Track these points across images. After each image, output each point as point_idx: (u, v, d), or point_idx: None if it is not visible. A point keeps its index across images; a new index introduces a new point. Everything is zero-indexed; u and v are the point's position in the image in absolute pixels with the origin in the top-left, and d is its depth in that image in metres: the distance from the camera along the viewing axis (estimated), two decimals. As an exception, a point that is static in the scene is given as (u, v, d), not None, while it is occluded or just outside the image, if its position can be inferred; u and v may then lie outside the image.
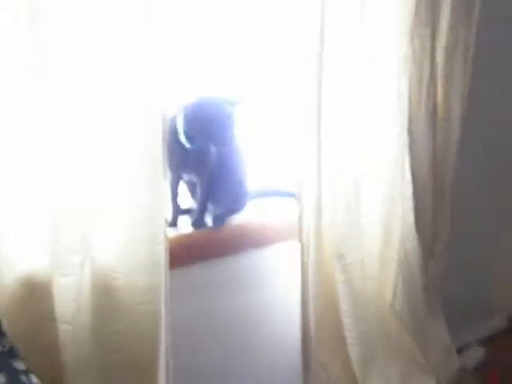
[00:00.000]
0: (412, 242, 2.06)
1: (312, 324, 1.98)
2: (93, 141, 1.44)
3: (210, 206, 1.98)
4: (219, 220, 1.98)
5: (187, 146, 1.82)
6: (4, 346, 1.21)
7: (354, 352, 2.01)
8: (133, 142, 1.49)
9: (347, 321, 1.97)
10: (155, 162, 1.51)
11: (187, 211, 1.99)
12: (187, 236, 1.93)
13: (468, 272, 2.84)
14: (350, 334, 1.99)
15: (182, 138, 1.81)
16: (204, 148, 1.86)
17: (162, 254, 1.61)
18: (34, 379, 1.17)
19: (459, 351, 2.82)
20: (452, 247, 2.48)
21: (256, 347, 2.20)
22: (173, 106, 1.79)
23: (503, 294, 3.16)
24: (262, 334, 2.20)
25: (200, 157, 1.88)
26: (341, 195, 1.88)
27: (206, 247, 1.93)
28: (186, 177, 1.96)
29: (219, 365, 2.14)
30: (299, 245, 1.92)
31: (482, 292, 3.00)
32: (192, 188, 2.00)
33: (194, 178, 1.95)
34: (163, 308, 1.70)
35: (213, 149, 1.87)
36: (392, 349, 2.08)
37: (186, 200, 2.00)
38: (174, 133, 1.82)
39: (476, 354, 2.91)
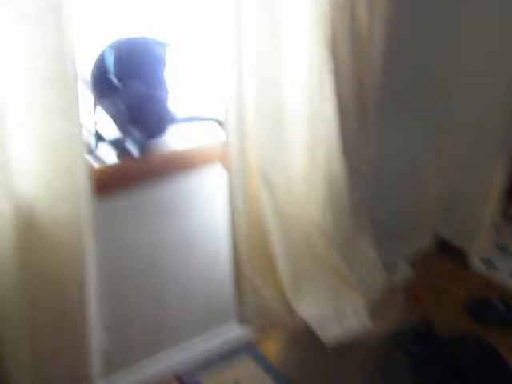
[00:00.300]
0: (338, 164, 2.08)
1: (242, 247, 2.01)
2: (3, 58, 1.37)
3: (134, 134, 1.93)
4: (143, 147, 1.94)
5: (116, 83, 1.78)
6: None
7: (284, 274, 2.05)
8: (45, 64, 1.42)
9: (276, 243, 2.00)
10: (67, 87, 1.45)
11: (112, 140, 1.95)
12: (112, 165, 1.89)
13: (394, 192, 2.93)
14: (280, 254, 2.02)
15: (112, 76, 1.77)
16: (133, 86, 1.82)
17: (83, 183, 1.58)
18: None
19: (387, 269, 2.94)
20: (378, 167, 2.53)
21: (187, 273, 2.23)
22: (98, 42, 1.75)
23: (429, 213, 3.28)
24: (193, 260, 2.21)
25: (127, 93, 1.83)
26: (264, 118, 1.86)
27: (131, 175, 1.90)
28: (109, 106, 1.90)
29: (150, 293, 2.15)
30: (225, 169, 1.92)
31: (408, 211, 3.10)
32: (116, 116, 1.94)
33: (118, 108, 1.89)
34: (89, 238, 1.68)
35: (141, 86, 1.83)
36: (321, 269, 2.14)
37: (109, 128, 1.95)
38: (101, 69, 1.78)
39: (403, 271, 3.04)
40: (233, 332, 2.52)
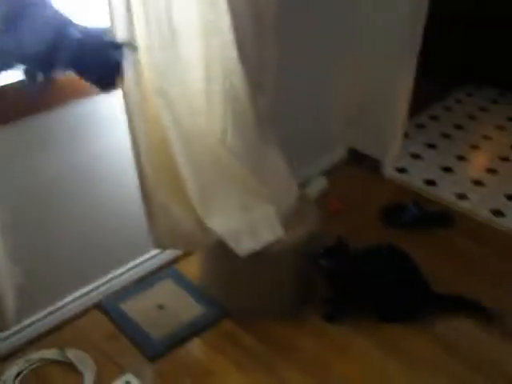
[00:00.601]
0: (237, 76, 2.04)
1: (147, 167, 1.97)
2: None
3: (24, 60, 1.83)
4: (33, 74, 1.85)
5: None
6: None
7: (191, 189, 2.03)
8: None
9: (180, 159, 1.97)
10: None
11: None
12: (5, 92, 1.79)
13: (303, 105, 2.94)
14: (185, 172, 2.00)
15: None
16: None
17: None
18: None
19: (302, 181, 2.98)
20: (281, 80, 2.52)
21: (94, 199, 2.18)
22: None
23: (341, 126, 3.32)
24: (100, 184, 2.18)
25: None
26: (155, 30, 1.80)
27: (27, 102, 1.81)
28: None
29: (58, 221, 2.11)
30: (121, 90, 1.86)
31: (320, 125, 3.13)
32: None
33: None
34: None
35: None
36: (229, 182, 2.13)
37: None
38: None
39: (319, 184, 3.09)
40: (152, 257, 2.53)
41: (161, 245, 2.22)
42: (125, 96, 1.86)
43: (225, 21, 1.91)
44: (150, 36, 1.79)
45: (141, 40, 1.79)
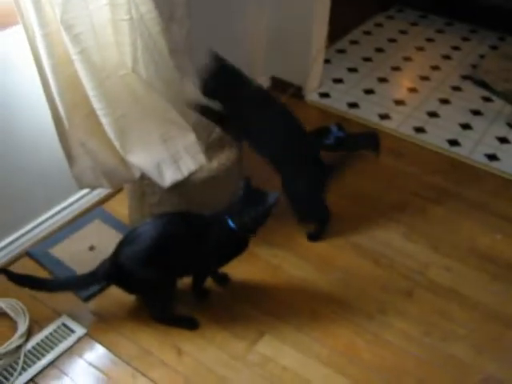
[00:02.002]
0: (147, 6, 1.99)
1: (60, 105, 1.92)
2: None
3: None
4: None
5: None
6: None
7: (107, 124, 1.99)
8: None
9: (92, 93, 1.92)
10: None
11: None
12: None
13: (225, 35, 2.89)
14: (99, 106, 1.95)
15: None
16: None
17: None
18: None
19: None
20: (200, 10, 2.47)
21: (13, 142, 2.12)
22: None
23: (263, 55, 3.30)
24: (19, 128, 2.11)
25: None
26: None
27: None
28: None
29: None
30: (22, 26, 1.78)
31: (240, 55, 3.09)
32: None
33: None
34: None
35: None
36: (146, 113, 2.09)
37: None
38: None
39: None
40: (78, 200, 2.50)
41: (84, 184, 2.18)
42: (28, 37, 1.79)
43: None
44: None
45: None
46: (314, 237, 2.42)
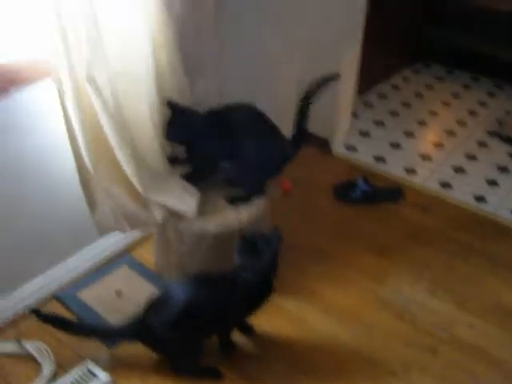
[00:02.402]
0: (169, 56, 2.07)
1: (84, 153, 1.99)
2: None
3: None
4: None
5: None
6: None
7: (128, 171, 2.08)
8: None
9: (113, 143, 2.01)
10: None
11: None
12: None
13: (252, 85, 2.96)
14: (119, 155, 2.04)
15: None
16: None
17: None
18: None
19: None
20: (230, 66, 2.55)
21: (45, 189, 2.19)
22: None
23: (291, 107, 3.36)
24: (49, 174, 2.18)
25: None
26: (80, 21, 1.79)
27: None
28: None
29: (11, 211, 2.11)
30: (54, 81, 1.87)
31: (270, 106, 3.16)
32: None
33: None
34: None
35: None
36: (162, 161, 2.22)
37: None
38: None
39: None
40: (106, 245, 2.54)
41: (105, 229, 2.24)
42: (59, 91, 1.87)
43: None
44: (75, 19, 1.79)
45: (70, 30, 1.79)
46: (233, 199, 2.32)
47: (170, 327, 1.93)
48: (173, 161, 2.28)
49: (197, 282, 1.98)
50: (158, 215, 2.17)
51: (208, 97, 2.33)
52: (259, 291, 2.02)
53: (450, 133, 3.71)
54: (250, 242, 1.95)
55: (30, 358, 2.08)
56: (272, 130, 2.28)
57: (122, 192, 2.13)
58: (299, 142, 2.33)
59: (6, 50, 1.87)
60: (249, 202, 2.27)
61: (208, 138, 2.19)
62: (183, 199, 2.18)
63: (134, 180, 2.08)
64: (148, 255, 2.52)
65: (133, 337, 2.02)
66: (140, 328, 1.98)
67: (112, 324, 2.02)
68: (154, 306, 1.97)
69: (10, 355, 2.10)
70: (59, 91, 1.86)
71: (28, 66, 1.91)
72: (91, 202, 2.12)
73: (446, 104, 4.08)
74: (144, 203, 2.16)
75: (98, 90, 1.88)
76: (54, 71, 1.83)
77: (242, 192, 2.30)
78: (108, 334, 2.08)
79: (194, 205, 2.17)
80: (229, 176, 2.34)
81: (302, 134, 2.34)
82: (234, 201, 2.27)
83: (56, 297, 2.35)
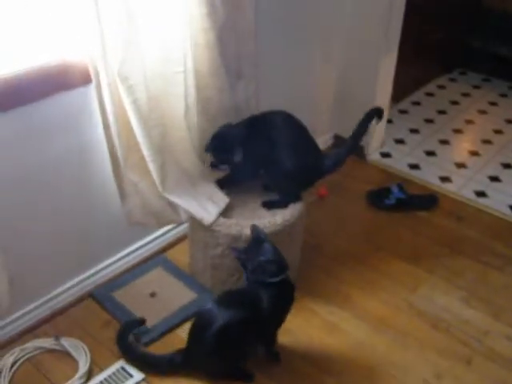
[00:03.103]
0: (207, 61, 2.10)
1: (117, 148, 2.05)
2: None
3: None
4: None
5: None
6: None
7: (153, 170, 2.12)
8: None
9: (141, 140, 2.05)
10: None
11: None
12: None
13: (290, 94, 2.98)
14: (147, 153, 2.08)
15: None
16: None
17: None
18: None
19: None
20: (268, 70, 2.57)
21: (81, 190, 2.23)
22: None
23: (327, 114, 3.38)
24: (79, 180, 2.21)
25: None
26: (116, 19, 1.83)
27: (7, 95, 1.84)
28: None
29: (50, 213, 2.15)
30: (92, 81, 1.94)
31: (308, 114, 3.16)
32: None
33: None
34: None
35: None
36: (181, 164, 2.26)
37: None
38: None
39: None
40: (142, 247, 2.58)
41: (133, 221, 2.29)
42: (96, 86, 1.94)
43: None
44: (111, 22, 1.83)
45: (105, 31, 1.83)
46: (269, 204, 2.33)
47: (214, 354, 1.98)
48: (214, 166, 2.31)
49: (225, 303, 1.99)
50: (184, 215, 2.21)
51: (247, 99, 2.36)
52: (281, 292, 2.00)
53: (486, 141, 3.67)
54: (246, 248, 1.99)
55: (68, 355, 2.12)
56: (309, 140, 2.30)
57: (149, 189, 2.18)
58: (346, 155, 2.34)
59: (42, 51, 1.91)
60: (285, 208, 2.28)
61: (247, 148, 2.21)
62: (205, 207, 2.20)
63: (155, 176, 2.12)
64: (182, 256, 2.54)
65: (182, 368, 2.07)
66: (187, 359, 2.04)
67: (162, 356, 2.09)
68: (196, 336, 2.01)
69: (47, 351, 2.14)
70: (97, 87, 1.93)
71: (66, 67, 1.95)
72: (122, 194, 2.20)
73: (482, 112, 4.04)
74: (169, 202, 2.20)
75: (129, 89, 1.93)
76: (93, 68, 1.90)
77: (279, 198, 2.32)
78: (159, 366, 2.11)
79: (215, 215, 2.19)
80: (266, 183, 2.36)
81: (352, 147, 2.36)
82: (270, 206, 2.29)
83: (92, 295, 2.39)
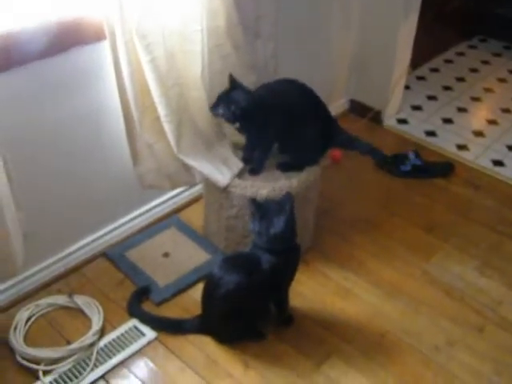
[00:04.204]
0: (226, 19, 2.05)
1: (133, 108, 2.02)
2: None
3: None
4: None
5: None
6: None
7: (169, 130, 2.10)
8: None
9: (158, 100, 2.02)
10: None
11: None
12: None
13: (308, 57, 2.94)
14: (163, 113, 2.05)
15: None
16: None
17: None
18: None
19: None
20: (285, 31, 2.52)
21: (97, 150, 2.22)
22: None
23: (343, 78, 3.33)
24: (102, 134, 2.20)
25: None
26: None
27: (22, 49, 1.81)
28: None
29: (63, 171, 2.14)
30: (107, 35, 1.88)
31: (322, 77, 3.13)
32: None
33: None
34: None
35: None
36: (197, 125, 2.23)
37: None
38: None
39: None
40: (155, 207, 2.57)
41: (146, 184, 2.27)
42: (111, 43, 1.89)
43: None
44: None
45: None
46: (284, 166, 2.28)
47: (228, 317, 1.99)
48: (246, 161, 2.26)
49: (229, 267, 1.97)
50: (198, 176, 2.20)
51: (266, 59, 2.32)
52: (285, 257, 1.98)
53: (505, 110, 3.60)
54: (264, 208, 1.92)
55: (81, 313, 2.14)
56: (322, 107, 2.26)
57: (164, 150, 2.16)
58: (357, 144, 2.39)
59: (60, 6, 1.87)
60: (300, 171, 2.25)
61: (257, 117, 2.12)
62: (220, 170, 2.18)
63: (171, 137, 2.10)
64: (196, 217, 2.54)
65: (196, 331, 2.09)
66: (202, 324, 2.07)
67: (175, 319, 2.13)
68: (208, 299, 2.02)
69: (61, 308, 2.16)
70: (112, 45, 1.89)
71: (84, 22, 1.91)
72: (135, 156, 2.17)
73: (501, 81, 3.96)
74: (184, 163, 2.18)
75: (147, 47, 1.90)
76: (108, 26, 1.85)
77: (294, 161, 2.29)
78: (177, 329, 2.12)
79: (229, 178, 2.16)
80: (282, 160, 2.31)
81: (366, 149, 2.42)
82: (285, 168, 2.26)
83: (105, 254, 2.39)
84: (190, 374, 1.97)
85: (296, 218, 1.95)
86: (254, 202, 1.93)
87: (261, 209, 1.91)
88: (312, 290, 2.27)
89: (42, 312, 2.13)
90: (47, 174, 2.09)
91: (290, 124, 2.17)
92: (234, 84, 2.08)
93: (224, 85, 2.10)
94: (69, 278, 2.29)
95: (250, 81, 2.22)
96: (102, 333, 2.08)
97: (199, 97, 2.15)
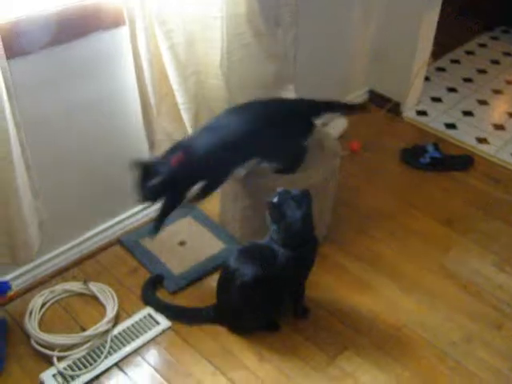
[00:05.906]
0: (247, 7, 2.03)
1: (151, 95, 2.00)
2: None
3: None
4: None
5: None
6: None
7: (186, 119, 2.09)
8: None
9: (176, 87, 2.01)
10: None
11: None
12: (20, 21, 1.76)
13: (328, 47, 2.91)
14: (181, 101, 2.04)
15: None
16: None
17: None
18: None
19: (325, 123, 2.98)
20: (306, 21, 2.49)
21: (113, 137, 2.20)
22: None
23: (362, 69, 3.29)
24: (109, 123, 2.18)
25: None
26: None
27: (43, 33, 1.79)
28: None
29: (80, 159, 2.13)
30: (127, 21, 1.86)
31: (342, 67, 3.09)
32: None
33: None
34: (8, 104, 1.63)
35: None
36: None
37: None
38: None
39: (339, 125, 3.08)
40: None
41: None
42: (131, 29, 1.86)
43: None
44: None
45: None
46: (279, 171, 2.23)
47: (243, 309, 2.00)
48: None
49: (245, 259, 1.96)
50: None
51: (286, 48, 2.29)
52: (302, 251, 1.95)
53: (527, 103, 3.55)
54: (280, 208, 1.87)
55: (95, 300, 2.13)
56: (286, 107, 2.19)
57: (180, 136, 2.13)
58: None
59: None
60: (292, 172, 2.21)
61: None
62: None
63: (188, 126, 2.09)
64: (212, 206, 2.52)
65: (211, 321, 2.08)
66: (216, 314, 2.07)
67: (193, 309, 2.12)
68: (223, 290, 2.02)
69: (76, 295, 2.15)
70: (131, 31, 1.87)
71: (104, 8, 1.89)
72: (151, 143, 2.16)
73: (524, 73, 3.90)
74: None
75: (167, 33, 1.88)
76: (128, 11, 1.83)
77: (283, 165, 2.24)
78: (191, 318, 2.11)
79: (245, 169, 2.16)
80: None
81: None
82: (280, 173, 2.22)
83: (120, 241, 2.38)
84: (203, 364, 1.96)
85: (313, 213, 1.92)
86: (270, 203, 1.88)
87: (277, 209, 1.88)
88: (328, 282, 2.25)
89: (56, 298, 2.13)
90: (63, 160, 2.08)
91: (248, 146, 2.05)
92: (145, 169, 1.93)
93: (243, 74, 2.08)
94: (84, 265, 2.29)
95: (269, 71, 2.19)
96: (117, 320, 2.08)
97: (217, 85, 2.13)
